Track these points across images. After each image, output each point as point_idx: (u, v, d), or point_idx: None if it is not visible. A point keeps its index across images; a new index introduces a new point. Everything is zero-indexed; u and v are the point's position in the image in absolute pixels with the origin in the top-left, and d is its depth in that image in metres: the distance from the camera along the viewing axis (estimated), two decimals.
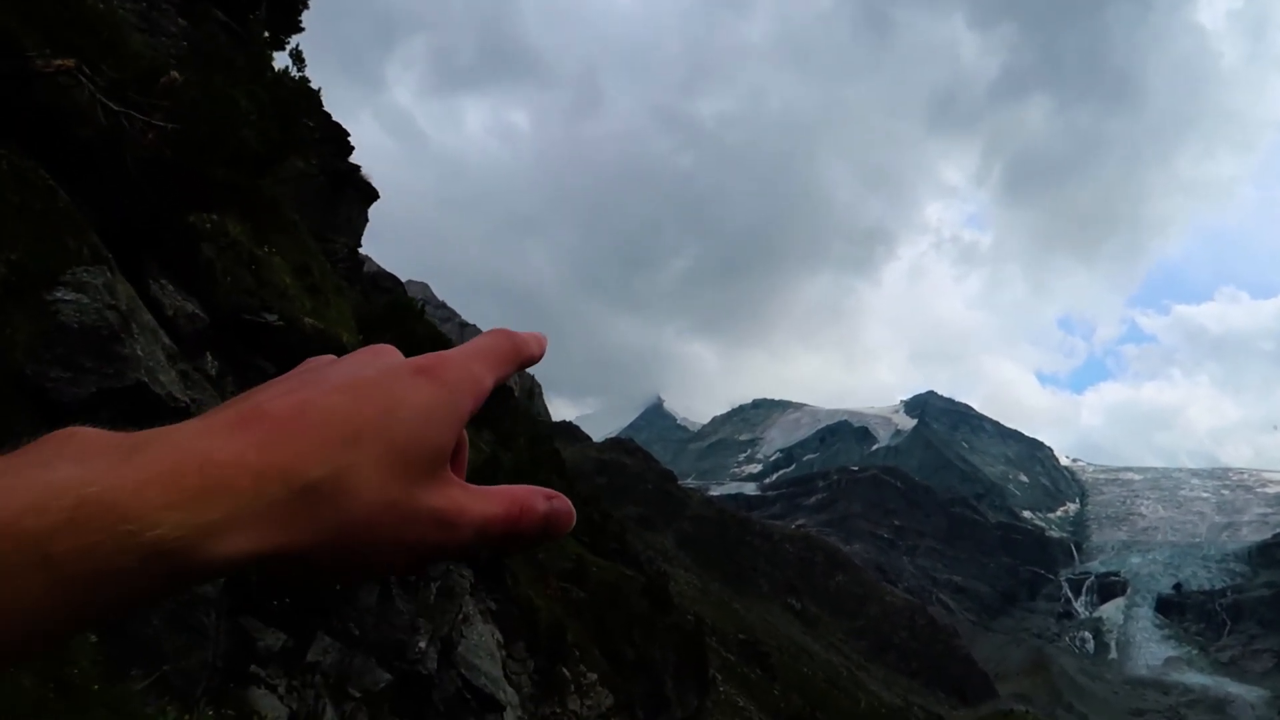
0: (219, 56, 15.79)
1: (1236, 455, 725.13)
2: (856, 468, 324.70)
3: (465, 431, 0.61)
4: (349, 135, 24.37)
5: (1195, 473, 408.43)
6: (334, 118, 23.14)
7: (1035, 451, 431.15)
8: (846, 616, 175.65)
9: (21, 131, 8.57)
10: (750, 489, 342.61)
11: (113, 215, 8.29)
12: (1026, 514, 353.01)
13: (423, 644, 9.61)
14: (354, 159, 31.22)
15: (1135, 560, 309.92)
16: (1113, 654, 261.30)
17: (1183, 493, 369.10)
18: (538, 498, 0.61)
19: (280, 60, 29.91)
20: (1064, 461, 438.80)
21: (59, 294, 6.65)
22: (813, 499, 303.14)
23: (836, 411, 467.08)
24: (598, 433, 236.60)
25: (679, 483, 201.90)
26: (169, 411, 6.66)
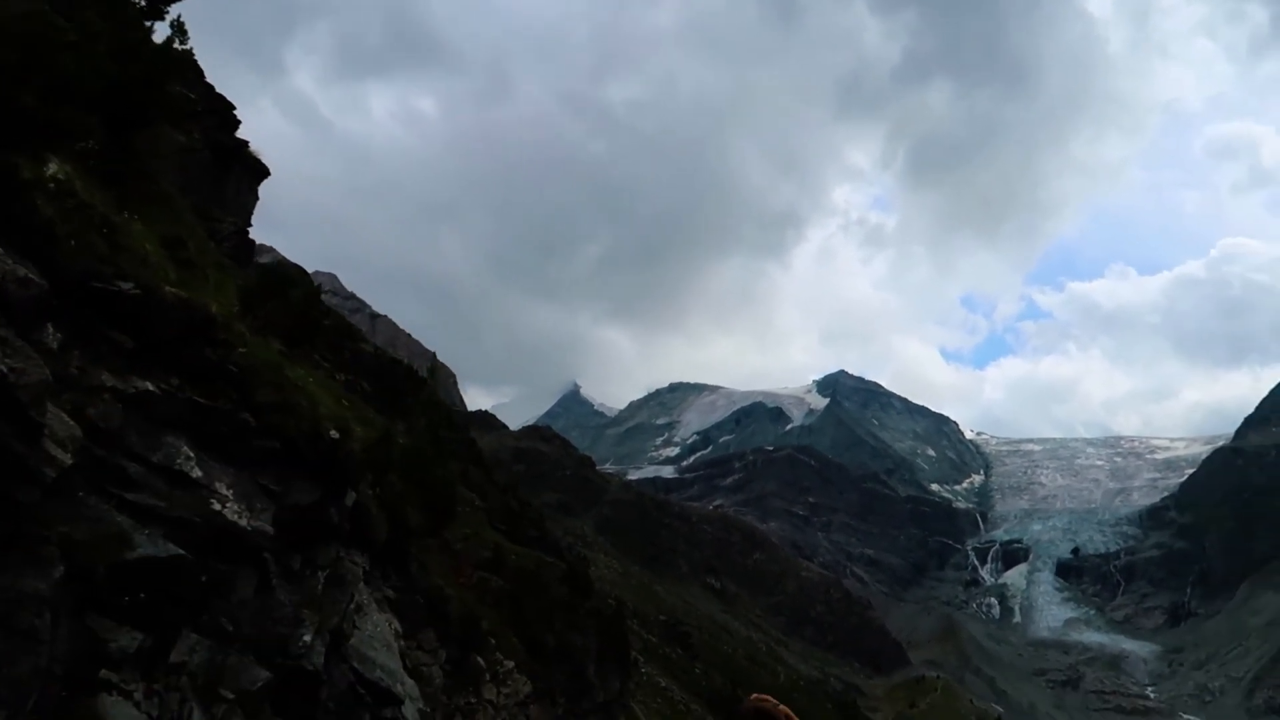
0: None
1: (1127, 424, 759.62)
2: (771, 448, 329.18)
3: None
4: (235, 108, 23.02)
5: (1090, 442, 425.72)
6: (218, 89, 21.84)
7: (942, 426, 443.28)
8: (764, 593, 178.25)
9: None
10: (668, 472, 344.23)
11: None
12: (934, 487, 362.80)
13: (308, 637, 8.84)
14: (243, 134, 29.67)
15: (1036, 528, 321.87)
16: (1017, 618, 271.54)
17: (1079, 461, 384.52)
18: None
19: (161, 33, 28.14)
20: (969, 435, 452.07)
21: None
22: (729, 480, 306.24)
23: (751, 393, 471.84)
24: (515, 421, 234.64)
25: (597, 468, 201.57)
26: None
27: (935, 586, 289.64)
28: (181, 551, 7.31)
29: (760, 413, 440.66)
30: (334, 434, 9.89)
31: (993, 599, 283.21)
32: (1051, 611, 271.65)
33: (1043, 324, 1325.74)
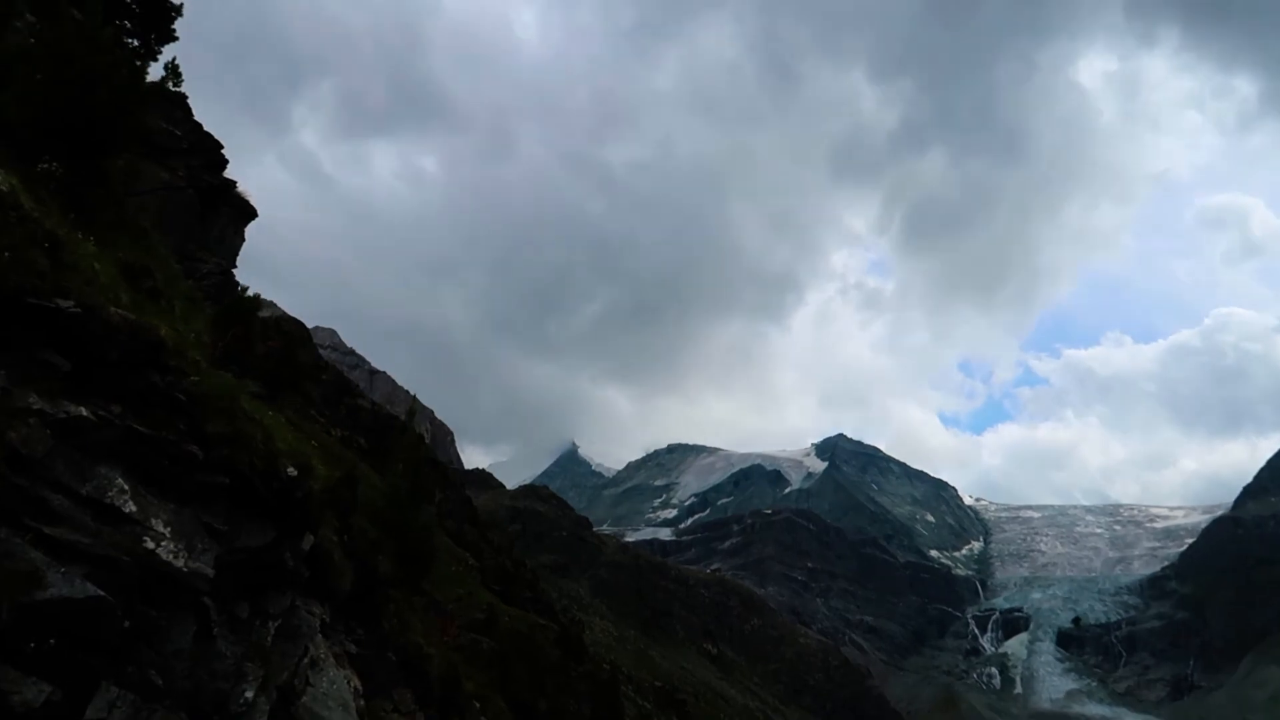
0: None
1: (1125, 492, 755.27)
2: (770, 511, 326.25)
3: None
4: (222, 147, 22.66)
5: (1089, 509, 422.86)
6: (205, 128, 21.49)
7: (940, 491, 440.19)
8: (762, 660, 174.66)
9: None
10: (665, 534, 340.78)
11: None
12: (933, 553, 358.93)
13: (250, 693, 7.98)
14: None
15: (1036, 596, 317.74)
16: (1018, 688, 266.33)
17: (1078, 529, 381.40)
18: None
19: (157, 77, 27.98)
20: (968, 501, 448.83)
21: None
22: (727, 543, 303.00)
23: (749, 455, 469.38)
24: (512, 480, 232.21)
25: (594, 529, 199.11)
26: None
27: (935, 655, 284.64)
28: (101, 593, 6.55)
29: (759, 475, 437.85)
30: (291, 471, 9.16)
31: (993, 669, 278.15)
32: (1053, 682, 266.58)
33: (1039, 390, 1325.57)
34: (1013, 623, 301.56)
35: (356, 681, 10.37)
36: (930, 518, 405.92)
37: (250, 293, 24.48)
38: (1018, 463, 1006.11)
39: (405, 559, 14.19)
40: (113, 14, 24.02)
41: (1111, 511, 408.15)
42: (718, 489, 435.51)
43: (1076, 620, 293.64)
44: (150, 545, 7.28)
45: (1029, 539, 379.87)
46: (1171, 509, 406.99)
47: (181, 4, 24.88)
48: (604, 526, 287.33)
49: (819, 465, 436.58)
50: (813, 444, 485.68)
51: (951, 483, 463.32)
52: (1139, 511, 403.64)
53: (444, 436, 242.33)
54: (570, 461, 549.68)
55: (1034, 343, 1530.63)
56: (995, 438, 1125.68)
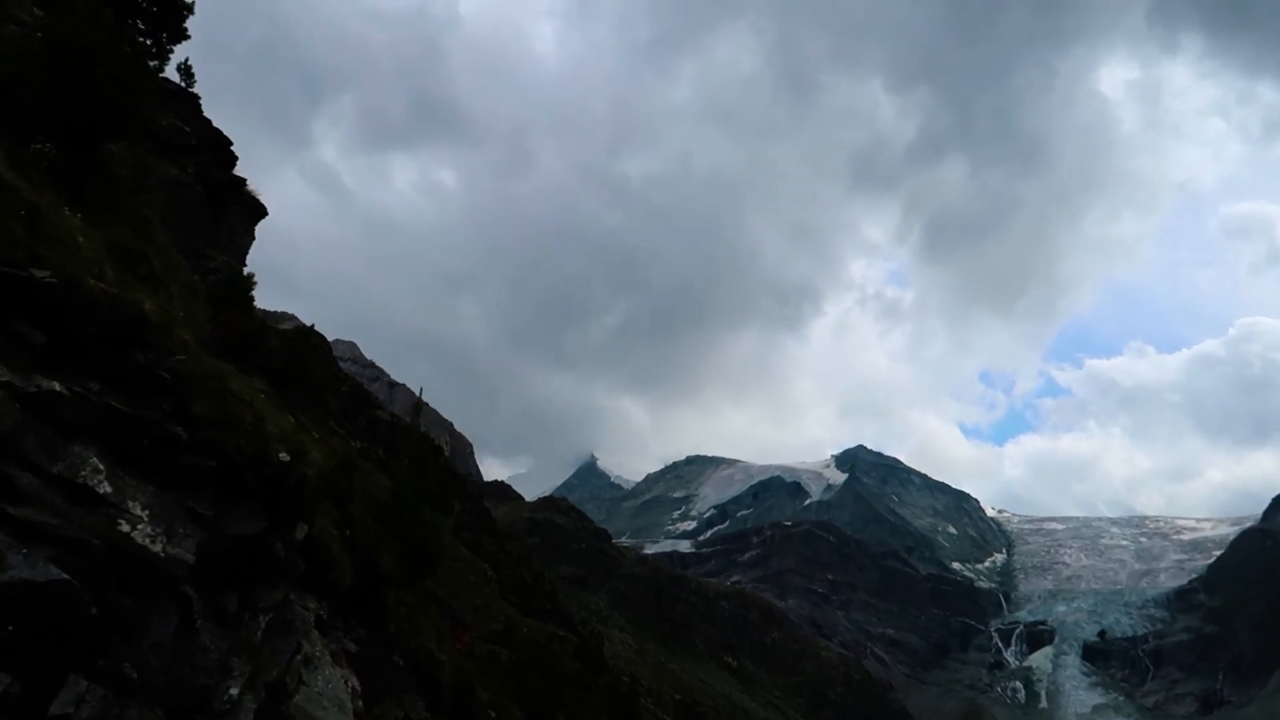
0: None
1: (1150, 503, 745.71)
2: (790, 523, 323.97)
3: None
4: (231, 144, 22.38)
5: (1114, 521, 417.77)
6: (214, 124, 21.22)
7: (962, 503, 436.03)
8: (783, 673, 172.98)
9: None
10: (685, 546, 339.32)
11: None
12: (956, 565, 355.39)
13: (235, 690, 7.47)
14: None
15: (1061, 609, 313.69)
16: (1043, 703, 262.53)
17: (1103, 541, 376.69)
18: None
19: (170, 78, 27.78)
20: (990, 512, 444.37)
21: None
22: (747, 555, 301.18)
23: (769, 467, 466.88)
24: (531, 492, 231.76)
25: (613, 541, 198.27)
26: None
27: (958, 668, 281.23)
28: (66, 577, 6.07)
29: (778, 487, 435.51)
30: (283, 456, 8.67)
31: (1018, 682, 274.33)
32: (1079, 696, 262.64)
33: (1062, 401, 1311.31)
34: (1037, 636, 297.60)
35: (355, 681, 9.86)
36: (952, 529, 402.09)
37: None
38: (1040, 474, 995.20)
39: (409, 557, 13.67)
40: (124, 12, 23.84)
41: (1137, 523, 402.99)
42: (737, 501, 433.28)
43: (1102, 634, 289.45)
44: (125, 528, 6.79)
45: (1053, 551, 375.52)
46: (1198, 521, 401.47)
47: (193, 2, 24.69)
48: (623, 538, 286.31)
49: (839, 477, 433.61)
50: (832, 455, 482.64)
51: (973, 494, 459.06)
52: (1165, 523, 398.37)
53: (463, 449, 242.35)
54: (589, 473, 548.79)
55: (1056, 353, 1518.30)
56: (1017, 449, 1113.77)
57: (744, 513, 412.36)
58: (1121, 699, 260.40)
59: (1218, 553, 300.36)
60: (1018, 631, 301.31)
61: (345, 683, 9.46)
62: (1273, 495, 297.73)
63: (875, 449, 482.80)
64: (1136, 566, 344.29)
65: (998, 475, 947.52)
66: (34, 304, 7.01)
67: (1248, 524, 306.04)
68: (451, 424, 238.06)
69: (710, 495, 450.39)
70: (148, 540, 6.87)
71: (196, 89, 27.06)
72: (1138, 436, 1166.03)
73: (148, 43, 25.08)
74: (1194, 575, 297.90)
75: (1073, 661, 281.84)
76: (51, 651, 6.08)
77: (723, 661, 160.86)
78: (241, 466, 8.14)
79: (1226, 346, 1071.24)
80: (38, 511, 6.28)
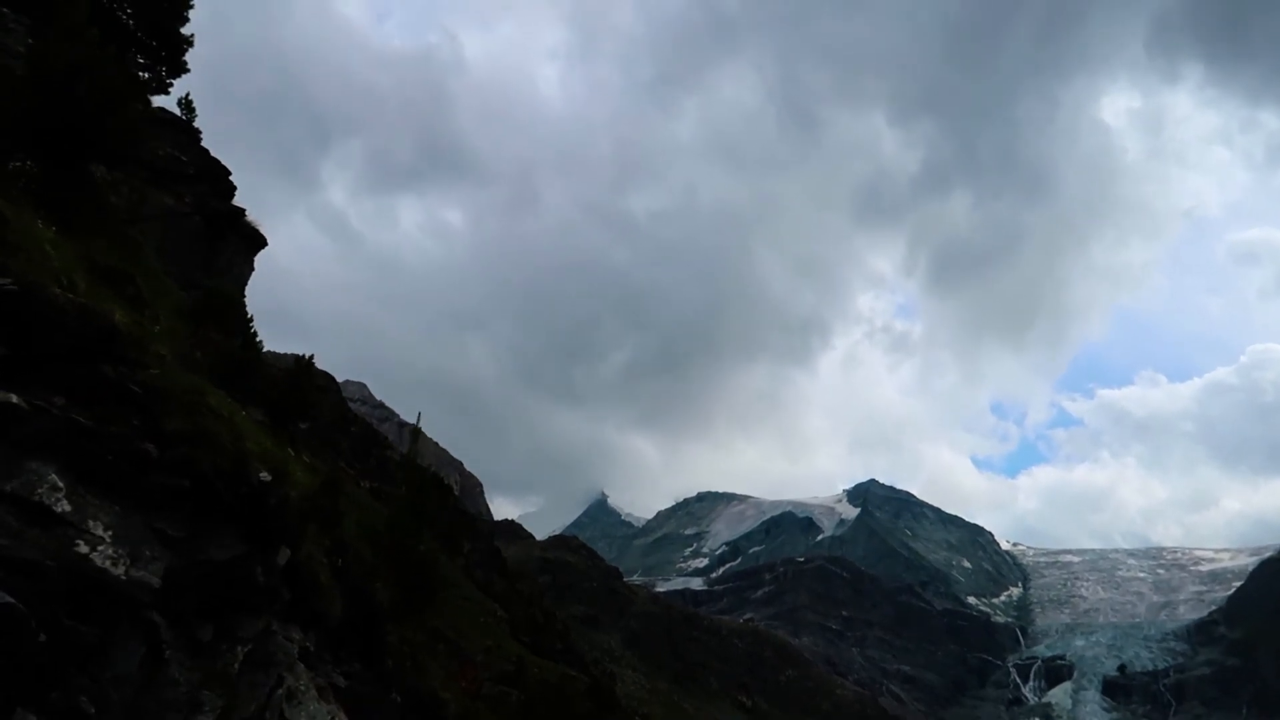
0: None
1: (1167, 535, 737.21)
2: (802, 559, 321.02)
3: None
4: (229, 174, 22.13)
5: (1131, 553, 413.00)
6: (212, 154, 20.98)
7: (976, 537, 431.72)
8: (798, 712, 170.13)
9: None
10: (697, 584, 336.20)
11: None
12: (971, 600, 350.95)
13: None
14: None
15: (1079, 643, 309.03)
16: None
17: (1120, 573, 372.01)
18: None
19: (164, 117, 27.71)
20: (1005, 546, 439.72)
21: None
22: (760, 592, 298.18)
23: (780, 502, 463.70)
24: (541, 530, 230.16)
25: (625, 580, 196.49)
26: None
27: (976, 705, 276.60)
28: (11, 600, 5.58)
29: (790, 523, 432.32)
30: (264, 475, 8.17)
31: (1037, 719, 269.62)
32: None
33: (1074, 431, 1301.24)
34: (1056, 671, 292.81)
35: (343, 717, 9.28)
36: (967, 564, 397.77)
37: (253, 332, 23.77)
38: (1055, 506, 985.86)
39: (406, 587, 13.06)
40: (123, 46, 23.79)
41: (1154, 555, 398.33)
42: (749, 537, 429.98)
43: (1122, 668, 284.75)
44: (83, 549, 6.29)
45: (1069, 584, 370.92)
46: (1216, 551, 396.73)
47: (192, 35, 24.66)
48: (635, 577, 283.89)
49: (851, 511, 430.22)
50: (844, 490, 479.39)
51: (987, 527, 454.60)
52: (1182, 554, 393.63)
53: (473, 488, 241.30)
54: (600, 511, 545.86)
55: (1067, 383, 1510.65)
56: (1030, 480, 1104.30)
57: (756, 549, 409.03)
58: None
59: (1237, 584, 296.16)
60: (1036, 667, 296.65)
61: (332, 718, 8.89)
62: None
63: (887, 482, 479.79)
64: (1155, 599, 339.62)
65: (1011, 507, 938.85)
66: None
67: (1267, 554, 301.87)
68: (461, 463, 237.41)
69: (722, 532, 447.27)
70: (108, 562, 6.37)
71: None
72: (1152, 466, 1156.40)
73: (145, 75, 25.05)
74: (1214, 607, 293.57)
75: (1093, 697, 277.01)
76: None
77: (737, 701, 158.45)
78: (218, 486, 7.64)
79: (1238, 374, 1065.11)
80: None
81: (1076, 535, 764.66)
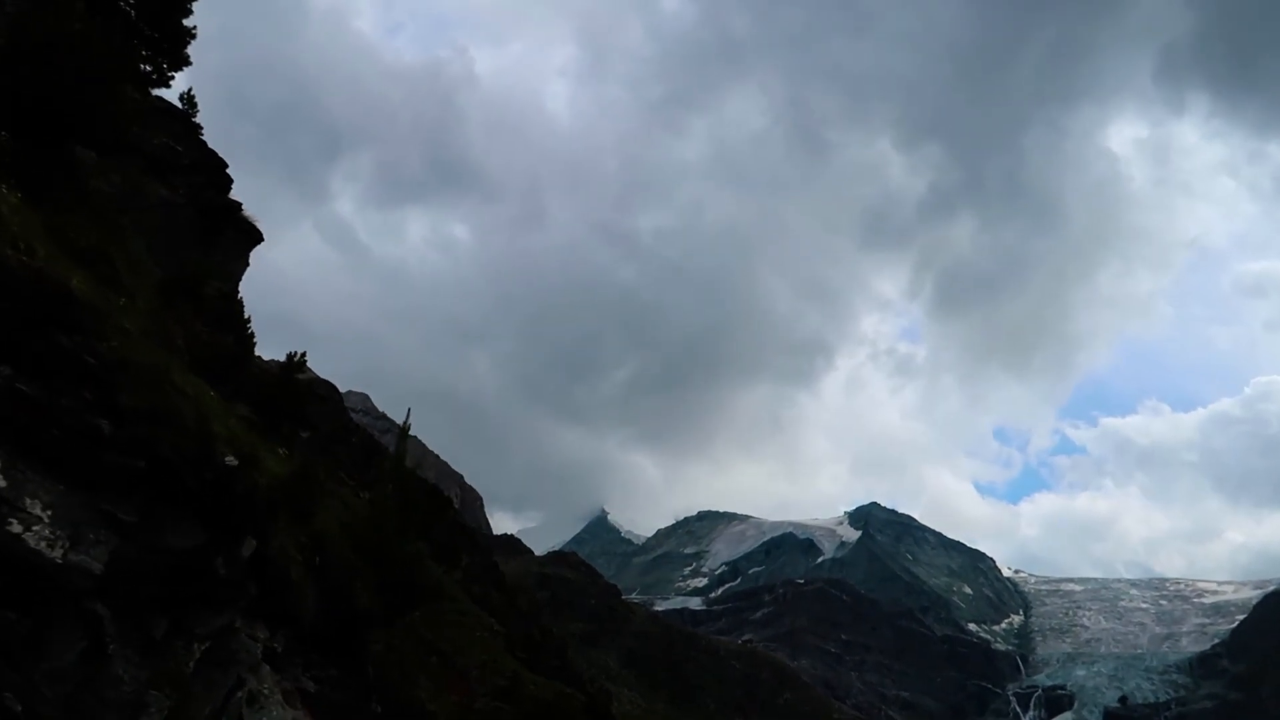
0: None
1: (1170, 565, 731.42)
2: (802, 580, 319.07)
3: None
4: (226, 166, 21.70)
5: (1134, 583, 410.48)
6: (209, 145, 20.55)
7: (978, 563, 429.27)
8: None
9: None
10: (695, 603, 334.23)
11: None
12: (972, 626, 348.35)
13: None
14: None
15: (1080, 673, 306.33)
16: None
17: (1122, 604, 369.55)
18: None
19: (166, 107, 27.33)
20: (1006, 573, 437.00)
21: None
22: (759, 613, 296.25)
23: (781, 524, 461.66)
24: (541, 545, 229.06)
25: (623, 598, 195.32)
26: None
27: None
28: None
29: (790, 544, 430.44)
30: (230, 460, 7.57)
31: None
32: None
33: (1077, 459, 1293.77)
34: (1056, 701, 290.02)
35: None
36: (968, 589, 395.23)
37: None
38: (1057, 533, 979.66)
39: (388, 587, 12.47)
40: (125, 36, 23.40)
41: (1157, 585, 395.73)
42: (749, 558, 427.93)
43: (1123, 699, 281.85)
44: (16, 529, 5.69)
45: (1071, 613, 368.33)
46: (1220, 584, 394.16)
47: (194, 28, 24.26)
48: (633, 594, 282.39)
49: (852, 534, 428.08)
50: (845, 512, 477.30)
51: (989, 553, 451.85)
52: (1185, 586, 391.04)
53: (473, 501, 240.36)
54: (600, 528, 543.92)
55: (1071, 410, 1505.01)
56: (1033, 507, 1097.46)
57: (756, 570, 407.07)
58: None
59: (1240, 617, 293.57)
60: (1036, 695, 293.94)
61: None
62: None
63: (889, 506, 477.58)
64: (1157, 630, 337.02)
65: (1013, 534, 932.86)
66: None
67: (1271, 587, 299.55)
68: (462, 476, 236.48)
69: (722, 551, 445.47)
70: (43, 544, 5.76)
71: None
72: (1155, 496, 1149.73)
73: (148, 69, 24.66)
74: (1217, 640, 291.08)
75: None
76: None
77: None
78: (179, 469, 7.04)
79: (1243, 405, 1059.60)
80: None
81: (1078, 563, 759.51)
